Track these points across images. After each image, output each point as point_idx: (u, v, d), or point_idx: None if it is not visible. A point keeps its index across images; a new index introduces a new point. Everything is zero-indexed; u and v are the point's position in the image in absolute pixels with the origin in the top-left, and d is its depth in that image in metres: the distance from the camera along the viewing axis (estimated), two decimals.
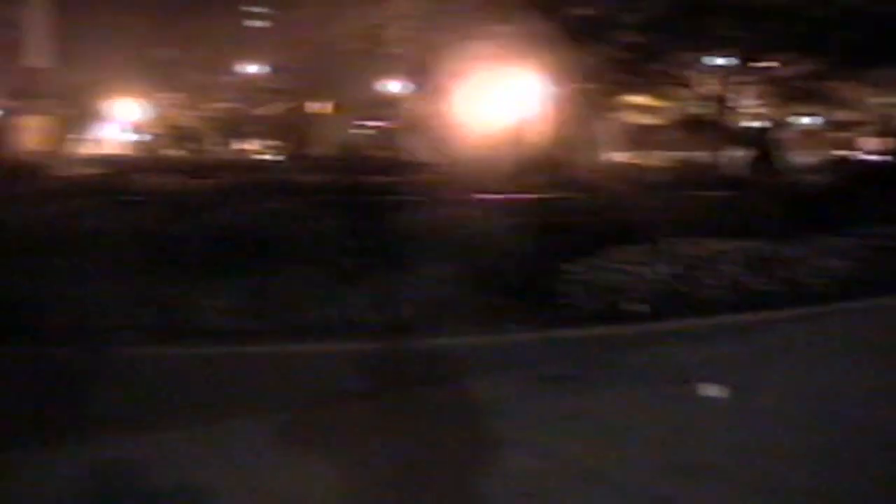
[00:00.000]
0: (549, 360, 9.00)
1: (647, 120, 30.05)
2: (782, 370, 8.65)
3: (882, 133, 30.62)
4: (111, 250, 11.19)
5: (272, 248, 11.35)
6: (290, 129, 34.58)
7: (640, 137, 30.21)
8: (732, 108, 26.35)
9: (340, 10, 28.53)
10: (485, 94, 25.72)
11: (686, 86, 26.00)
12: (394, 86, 31.06)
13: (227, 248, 11.24)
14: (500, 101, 26.33)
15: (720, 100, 25.93)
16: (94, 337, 9.38)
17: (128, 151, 32.53)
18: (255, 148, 35.89)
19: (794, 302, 11.23)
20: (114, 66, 29.88)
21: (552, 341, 9.83)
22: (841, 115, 32.22)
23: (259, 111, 35.44)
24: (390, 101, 31.86)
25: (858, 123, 32.97)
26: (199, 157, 31.21)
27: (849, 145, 33.04)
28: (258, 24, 37.75)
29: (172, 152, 32.96)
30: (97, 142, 33.38)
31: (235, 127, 35.07)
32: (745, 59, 25.23)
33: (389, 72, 30.08)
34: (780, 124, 27.55)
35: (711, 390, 7.71)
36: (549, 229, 11.91)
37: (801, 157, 25.48)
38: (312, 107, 35.70)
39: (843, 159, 27.08)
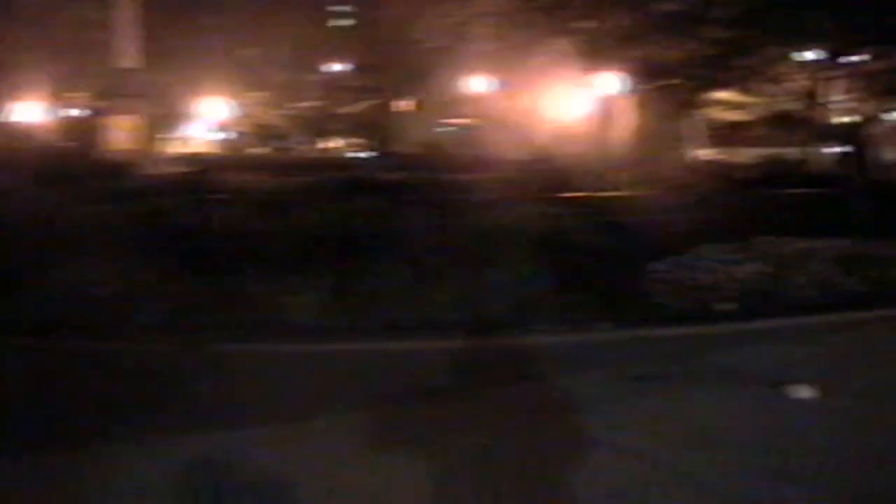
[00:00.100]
0: (637, 359, 8.89)
1: (734, 116, 29.61)
2: (874, 372, 8.43)
3: None
4: (198, 248, 11.37)
5: (357, 246, 11.44)
6: (375, 127, 34.76)
7: (726, 134, 29.81)
8: (822, 104, 25.88)
9: (424, 8, 28.59)
10: (568, 91, 25.59)
11: (775, 81, 25.58)
12: (478, 83, 31.00)
13: (312, 245, 11.36)
14: (584, 98, 26.18)
15: (810, 95, 25.49)
16: (183, 334, 9.50)
17: (214, 150, 32.93)
18: (339, 146, 36.09)
19: (885, 302, 10.98)
20: (200, 65, 30.30)
21: (640, 340, 9.74)
22: None
23: (343, 109, 35.61)
24: (474, 99, 31.81)
25: None
26: (285, 156, 31.57)
27: None
28: (343, 22, 37.99)
29: (258, 151, 33.38)
30: (184, 141, 33.85)
31: (320, 125, 35.31)
32: (836, 53, 24.77)
33: (473, 69, 30.03)
34: (871, 120, 26.99)
35: (802, 391, 7.54)
36: (634, 227, 11.82)
37: (893, 154, 24.92)
38: (397, 105, 35.82)
39: None
